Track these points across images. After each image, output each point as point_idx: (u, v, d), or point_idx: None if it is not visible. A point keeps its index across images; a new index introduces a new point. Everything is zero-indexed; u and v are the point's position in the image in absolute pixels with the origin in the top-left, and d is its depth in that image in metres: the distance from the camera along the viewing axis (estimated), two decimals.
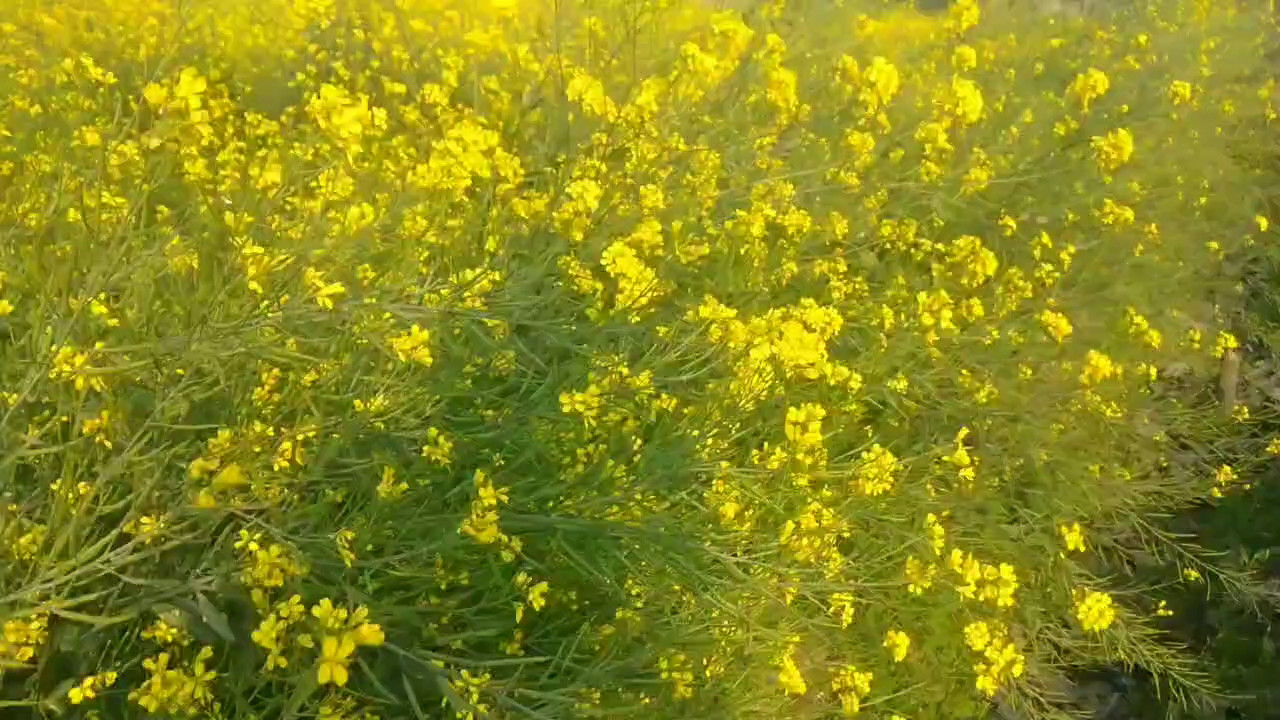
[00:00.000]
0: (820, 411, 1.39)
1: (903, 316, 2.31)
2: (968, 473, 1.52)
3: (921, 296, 1.52)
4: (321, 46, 7.58)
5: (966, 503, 2.97)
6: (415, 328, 1.27)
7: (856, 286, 3.26)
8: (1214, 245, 4.84)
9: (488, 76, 3.27)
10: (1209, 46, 5.93)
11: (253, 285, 1.01)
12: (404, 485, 1.28)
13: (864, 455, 1.43)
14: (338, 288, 1.02)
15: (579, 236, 1.66)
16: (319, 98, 1.22)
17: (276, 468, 1.14)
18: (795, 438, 1.39)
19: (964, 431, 1.53)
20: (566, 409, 1.38)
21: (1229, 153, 7.29)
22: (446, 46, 7.74)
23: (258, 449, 1.13)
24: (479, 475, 1.20)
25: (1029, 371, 2.87)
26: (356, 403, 1.23)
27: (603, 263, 1.55)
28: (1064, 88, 6.60)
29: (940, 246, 4.05)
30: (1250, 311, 6.87)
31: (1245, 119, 7.38)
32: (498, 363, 1.69)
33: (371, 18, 8.25)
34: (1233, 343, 3.12)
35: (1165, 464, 4.18)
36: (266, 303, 1.12)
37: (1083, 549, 1.74)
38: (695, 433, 1.45)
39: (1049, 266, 2.77)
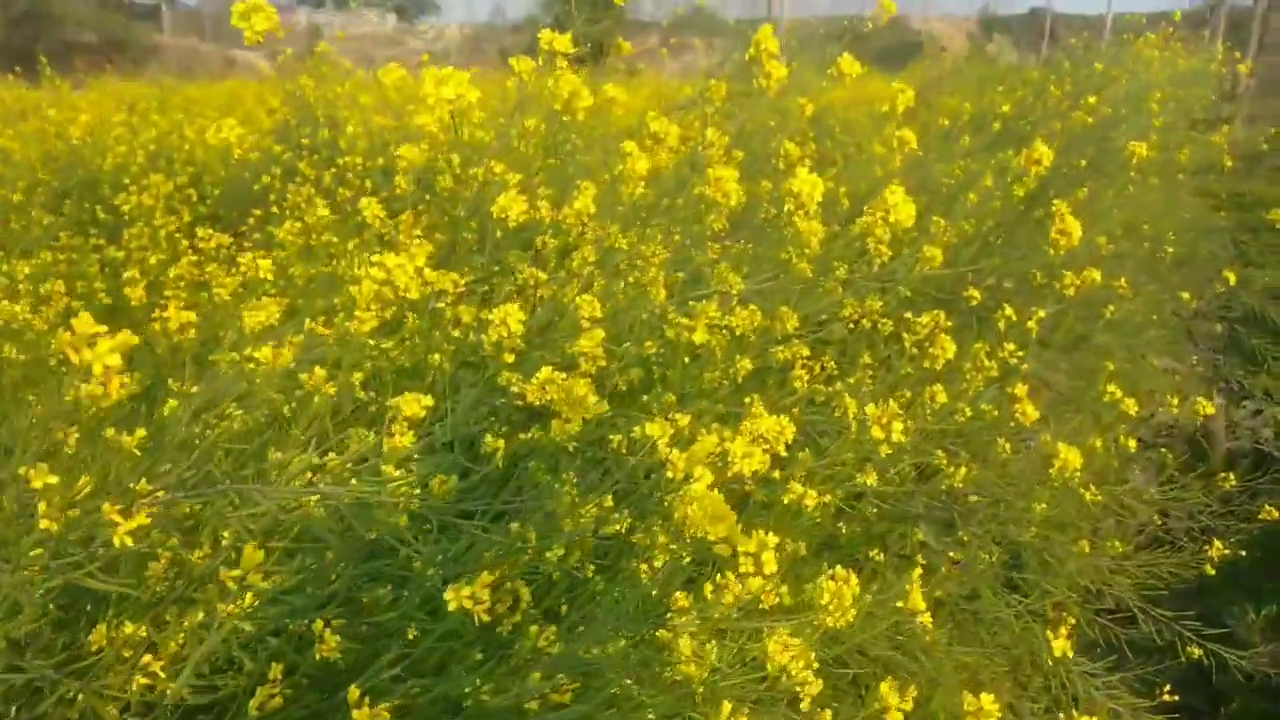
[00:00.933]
0: (772, 540, 1.28)
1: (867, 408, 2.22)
2: (924, 620, 1.41)
3: (870, 409, 1.42)
4: (287, 146, 7.61)
5: (957, 587, 2.86)
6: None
7: (825, 365, 3.19)
8: (1186, 295, 4.80)
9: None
10: (1159, 97, 5.99)
11: (44, 524, 0.90)
12: (278, 700, 1.15)
13: (823, 585, 1.31)
14: (141, 519, 0.92)
15: (510, 359, 1.57)
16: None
17: (136, 686, 1.02)
18: (748, 570, 1.28)
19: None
20: (453, 606, 1.26)
21: (1192, 196, 7.36)
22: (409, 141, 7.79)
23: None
24: (352, 693, 1.08)
25: (1007, 447, 2.78)
26: (219, 604, 1.11)
27: (532, 388, 1.46)
28: (1023, 144, 6.67)
29: (909, 315, 4.00)
30: (1229, 355, 6.83)
31: (1204, 162, 7.45)
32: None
33: (337, 115, 8.29)
34: (1211, 409, 3.04)
35: (1160, 520, 4.07)
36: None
37: (1070, 654, 1.63)
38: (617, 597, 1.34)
39: (1011, 346, 2.69)
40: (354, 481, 1.26)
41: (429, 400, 1.62)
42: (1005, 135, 7.11)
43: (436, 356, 1.85)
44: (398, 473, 1.31)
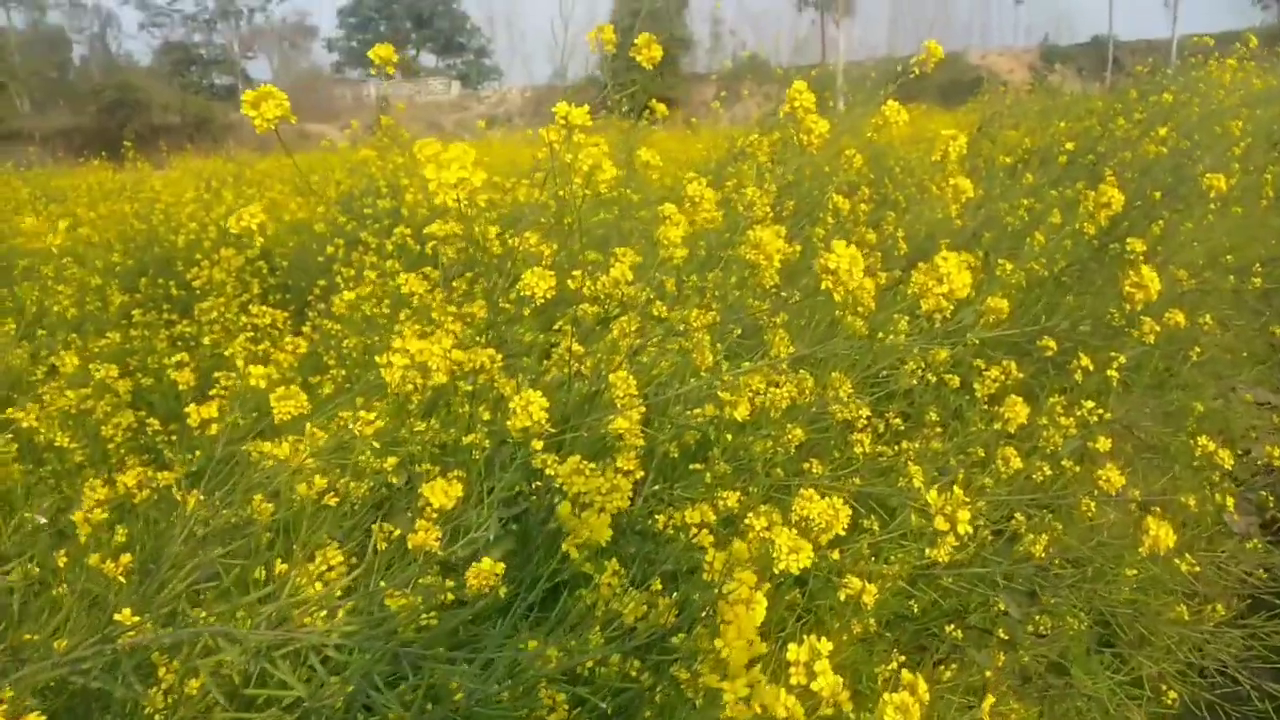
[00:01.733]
0: (827, 646, 1.15)
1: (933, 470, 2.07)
2: None
3: (933, 497, 1.29)
4: (351, 216, 7.77)
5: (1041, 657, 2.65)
6: None
7: (890, 422, 3.03)
8: (1277, 330, 4.49)
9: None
10: (1238, 123, 5.71)
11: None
12: None
13: (887, 702, 1.17)
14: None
15: (538, 445, 1.48)
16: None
17: None
18: (800, 681, 1.15)
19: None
20: None
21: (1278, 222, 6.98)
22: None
23: None
24: None
25: (1092, 506, 2.58)
26: None
27: (558, 484, 1.36)
28: (1092, 176, 6.42)
29: (979, 362, 3.81)
30: None
31: None
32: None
33: (399, 183, 8.46)
34: None
35: (1264, 574, 3.76)
36: None
37: None
38: None
39: (1090, 404, 2.51)
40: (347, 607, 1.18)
41: (457, 490, 1.54)
42: (1072, 169, 6.88)
43: (472, 436, 1.77)
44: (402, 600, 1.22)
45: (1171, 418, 4.04)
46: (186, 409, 1.64)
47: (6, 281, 6.93)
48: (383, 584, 1.50)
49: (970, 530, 1.25)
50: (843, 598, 1.34)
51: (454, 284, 3.06)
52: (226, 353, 4.13)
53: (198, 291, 6.33)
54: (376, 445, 1.77)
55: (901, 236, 4.17)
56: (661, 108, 2.14)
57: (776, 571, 1.21)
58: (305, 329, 5.34)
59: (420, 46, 64.00)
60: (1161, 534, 1.55)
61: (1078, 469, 2.68)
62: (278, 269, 7.99)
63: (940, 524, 1.23)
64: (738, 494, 1.89)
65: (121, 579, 0.98)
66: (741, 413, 1.92)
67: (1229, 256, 5.54)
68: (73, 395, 3.33)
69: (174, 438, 3.70)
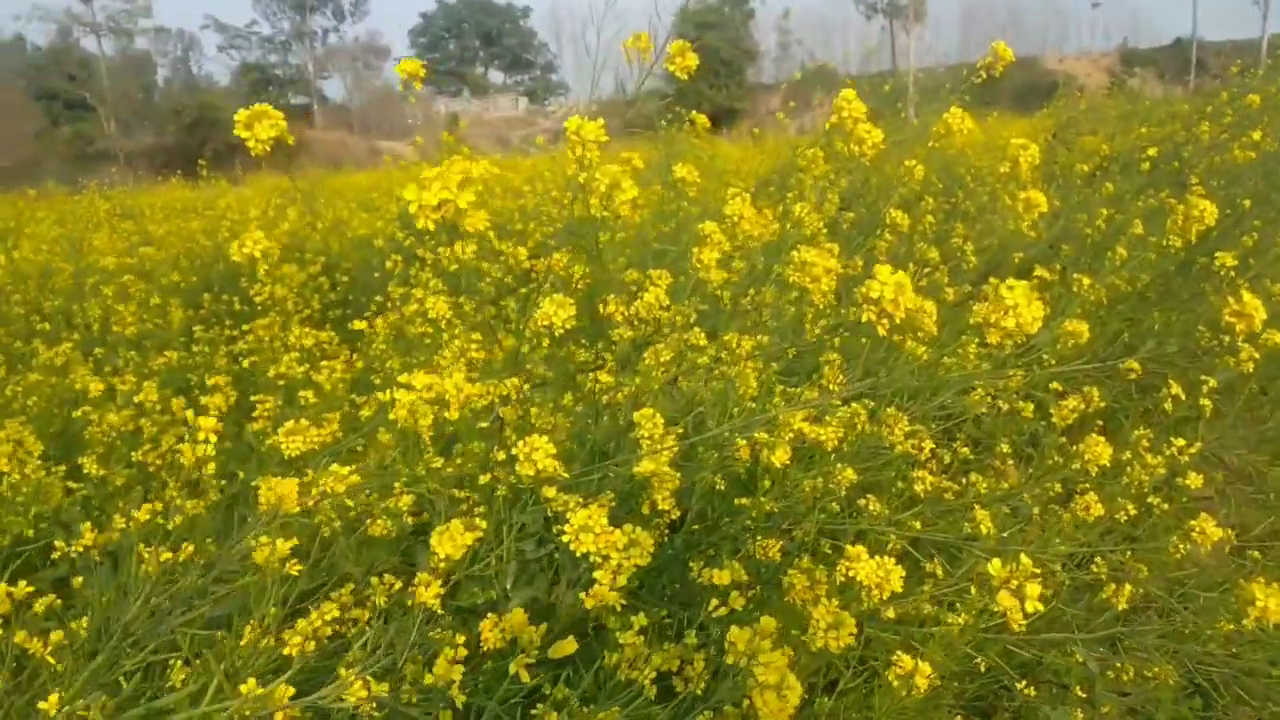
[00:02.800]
0: None
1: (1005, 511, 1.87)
2: None
3: (995, 567, 1.11)
4: (410, 232, 7.79)
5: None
6: None
7: (957, 452, 2.81)
8: None
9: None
10: None
11: None
12: None
13: None
14: None
15: (550, 492, 1.34)
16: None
17: None
18: None
19: None
20: None
21: None
22: (527, 219, 7.82)
23: None
24: None
25: (1182, 548, 2.33)
26: None
27: (564, 541, 1.21)
28: (1177, 184, 6.05)
29: (1056, 386, 3.55)
30: None
31: None
32: None
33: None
34: None
35: None
36: None
37: None
38: None
39: (1181, 442, 2.27)
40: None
41: (468, 539, 1.40)
42: (1155, 176, 6.51)
43: (486, 477, 1.64)
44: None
45: (1267, 443, 3.71)
46: (186, 446, 1.54)
47: (79, 297, 7.09)
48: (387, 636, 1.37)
49: (1040, 607, 1.07)
50: (893, 680, 1.16)
51: (488, 308, 2.95)
52: (270, 374, 4.09)
53: (259, 307, 6.39)
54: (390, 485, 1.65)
55: (970, 250, 3.94)
56: (703, 119, 1.99)
57: (814, 650, 1.04)
58: (360, 346, 5.30)
59: (489, 64, 64.93)
60: (1272, 605, 1.34)
61: (1165, 506, 2.44)
62: (338, 284, 8.04)
63: (1006, 600, 1.05)
64: (779, 543, 1.72)
65: (51, 659, 0.87)
66: (780, 457, 1.75)
67: None
68: (114, 419, 3.31)
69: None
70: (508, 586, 1.60)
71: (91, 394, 3.83)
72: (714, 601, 1.38)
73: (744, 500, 2.15)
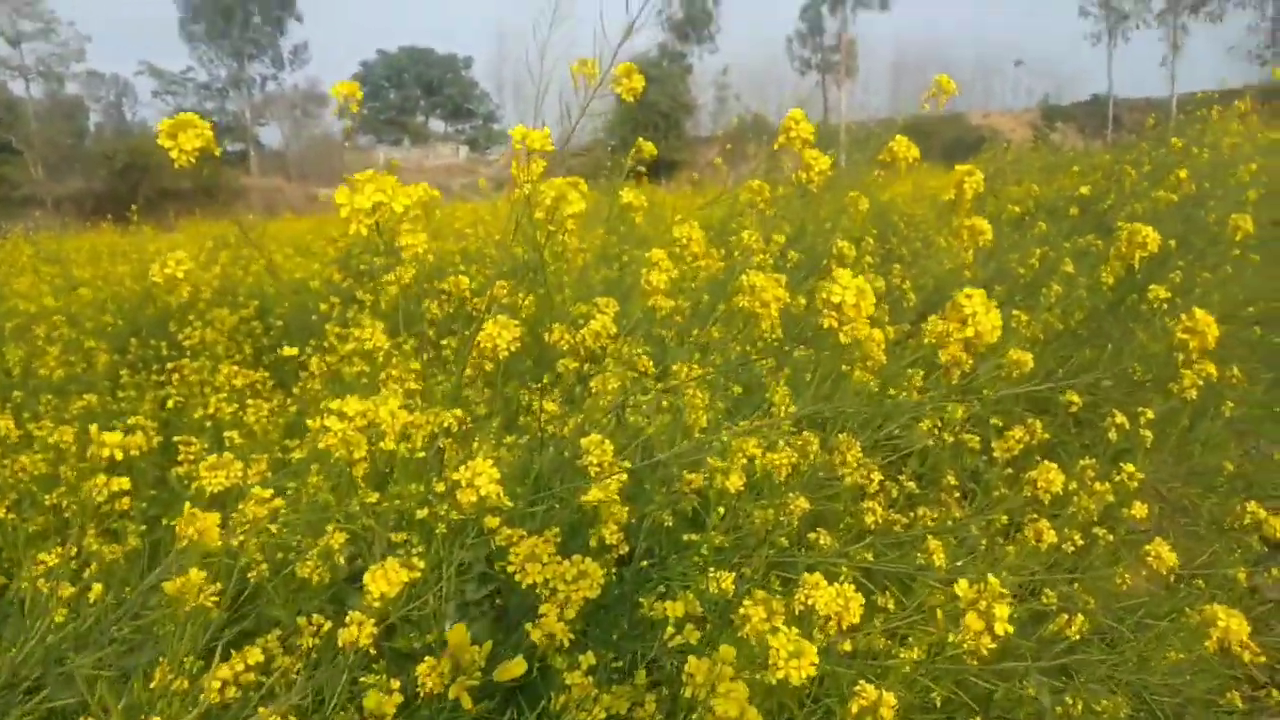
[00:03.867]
0: None
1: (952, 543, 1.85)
2: None
3: (962, 587, 1.07)
4: (347, 274, 7.65)
5: None
6: None
7: (903, 485, 2.80)
8: None
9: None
10: (1252, 169, 5.56)
11: None
12: None
13: None
14: None
15: (494, 522, 1.27)
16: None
17: None
18: None
19: None
20: None
21: None
22: (469, 261, 7.75)
23: None
24: None
25: (1127, 578, 2.33)
26: None
27: (509, 572, 1.15)
28: (1101, 228, 6.25)
29: (997, 421, 3.58)
30: None
31: None
32: None
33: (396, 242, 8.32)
34: None
35: None
36: None
37: None
38: None
39: (1131, 468, 2.28)
40: None
41: (403, 575, 1.32)
42: (1084, 220, 6.72)
43: (424, 512, 1.56)
44: None
45: (1197, 477, 3.79)
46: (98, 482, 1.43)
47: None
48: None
49: (1010, 629, 1.03)
50: (855, 711, 1.11)
51: (428, 350, 2.87)
52: (197, 415, 3.93)
53: (189, 352, 6.19)
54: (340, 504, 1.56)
55: (909, 288, 3.98)
56: (649, 146, 1.96)
57: (773, 682, 0.99)
58: (296, 389, 5.16)
59: (430, 113, 64.97)
60: (1233, 625, 1.33)
61: (1110, 537, 2.45)
62: (273, 328, 7.86)
63: (974, 623, 1.01)
64: (733, 575, 1.67)
65: None
66: (734, 483, 1.71)
67: (1251, 308, 5.34)
68: (26, 461, 3.13)
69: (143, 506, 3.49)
70: (446, 629, 1.52)
71: (8, 438, 3.63)
72: (669, 630, 1.31)
73: (693, 535, 2.10)
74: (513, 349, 1.45)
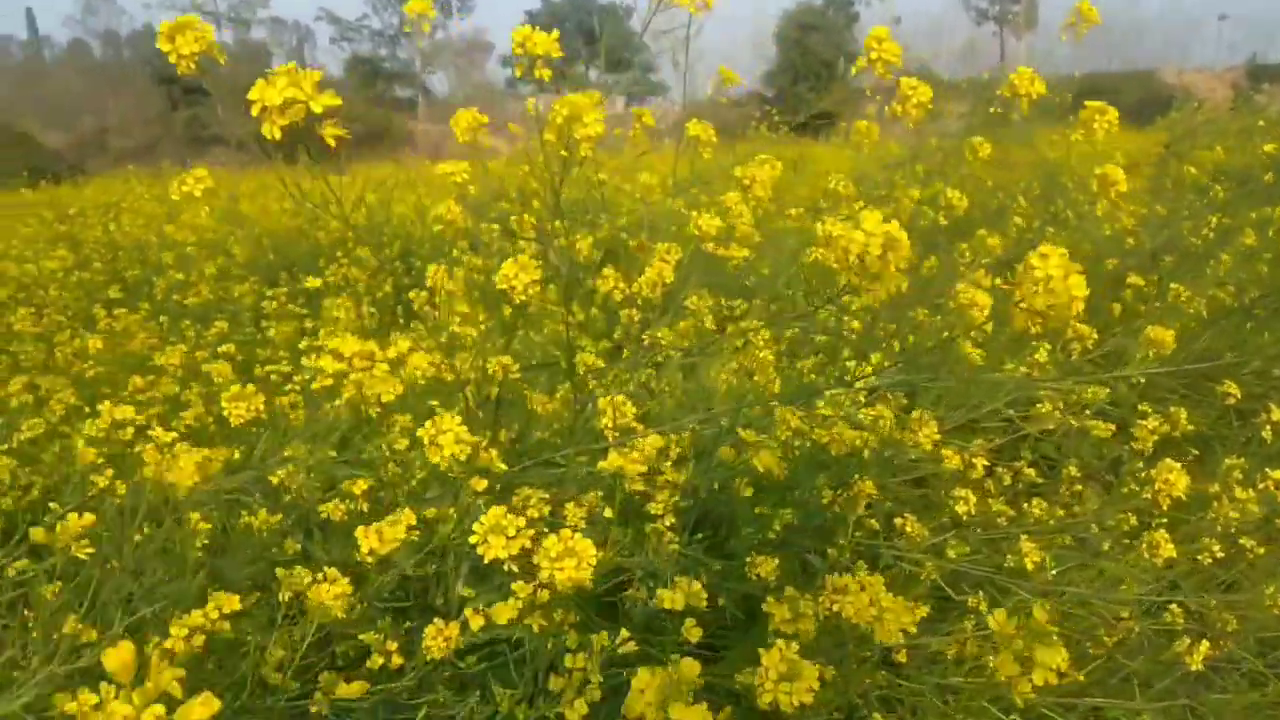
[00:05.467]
0: None
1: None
2: None
3: (999, 618, 0.85)
4: (479, 218, 7.72)
5: None
6: None
7: (1021, 473, 2.50)
8: None
9: None
10: None
11: None
12: None
13: None
14: None
15: (479, 485, 1.13)
16: None
17: None
18: None
19: None
20: None
21: None
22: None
23: None
24: None
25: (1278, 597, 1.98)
26: None
27: (471, 545, 1.00)
28: None
29: (1144, 406, 3.18)
30: None
31: None
32: None
33: (527, 188, 8.40)
34: None
35: None
36: None
37: None
38: None
39: (1278, 474, 1.92)
40: None
41: (398, 532, 1.20)
42: (1276, 191, 5.96)
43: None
44: None
45: None
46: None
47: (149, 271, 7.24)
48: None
49: (1053, 679, 0.81)
50: None
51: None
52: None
53: (327, 287, 6.44)
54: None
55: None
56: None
57: (762, 706, 0.81)
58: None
59: (590, 62, 65.07)
60: None
61: (1260, 551, 2.10)
62: (414, 269, 8.04)
63: (1006, 666, 0.80)
64: (774, 560, 1.47)
65: None
66: (768, 461, 1.50)
67: None
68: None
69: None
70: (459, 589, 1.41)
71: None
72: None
73: (763, 509, 1.91)
74: (530, 293, 1.30)
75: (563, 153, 1.23)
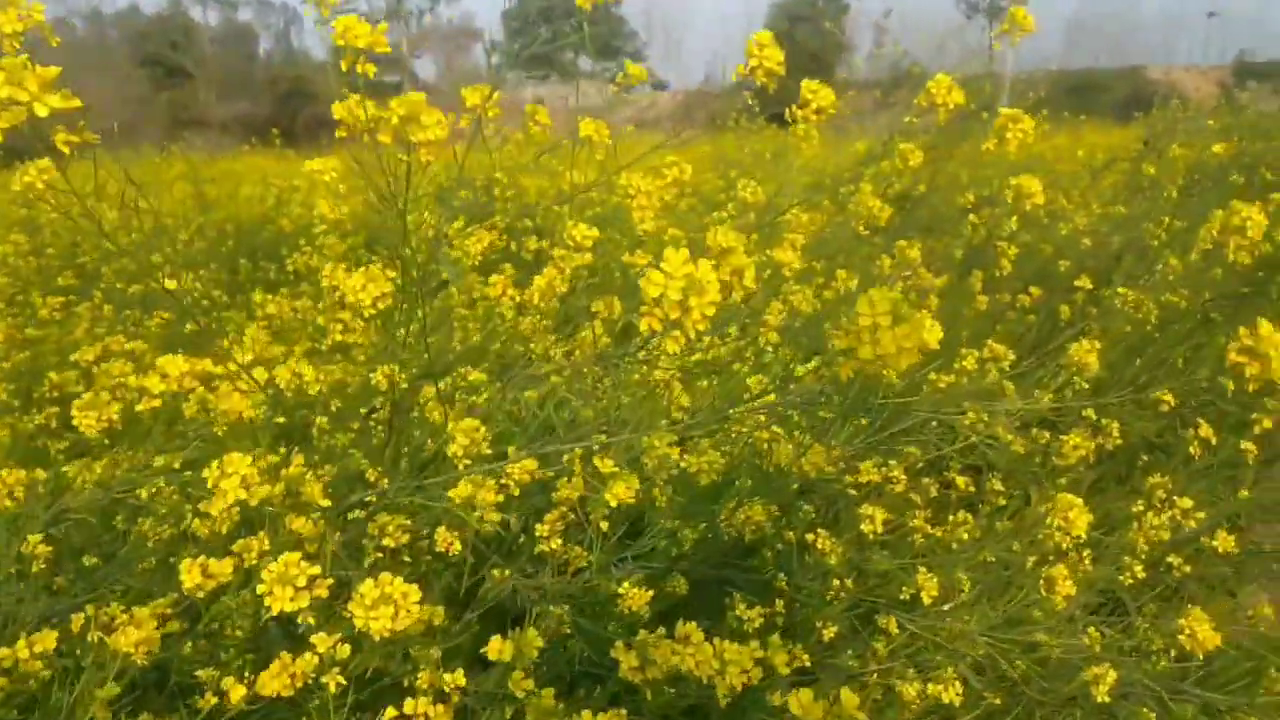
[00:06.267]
0: None
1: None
2: None
3: (802, 699, 0.75)
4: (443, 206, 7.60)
5: None
6: None
7: (954, 485, 2.42)
8: None
9: None
10: None
11: None
12: None
13: None
14: None
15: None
16: None
17: None
18: None
19: None
20: None
21: None
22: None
23: None
24: None
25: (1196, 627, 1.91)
26: None
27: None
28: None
29: (1090, 413, 3.11)
30: None
31: None
32: None
33: (492, 177, 8.33)
34: None
35: None
36: None
37: None
38: None
39: (1188, 503, 1.85)
40: None
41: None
42: (1248, 190, 5.89)
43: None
44: None
45: None
46: None
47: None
48: None
49: None
50: None
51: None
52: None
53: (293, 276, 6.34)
54: None
55: (1011, 253, 3.48)
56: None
57: None
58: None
59: (578, 50, 64.55)
60: None
61: (1187, 569, 2.03)
62: (377, 254, 7.91)
63: None
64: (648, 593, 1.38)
65: None
66: (621, 493, 1.41)
67: None
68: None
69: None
70: None
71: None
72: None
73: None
74: (379, 306, 1.21)
75: (401, 157, 1.15)
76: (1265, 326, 1.09)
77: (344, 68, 1.32)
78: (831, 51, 51.62)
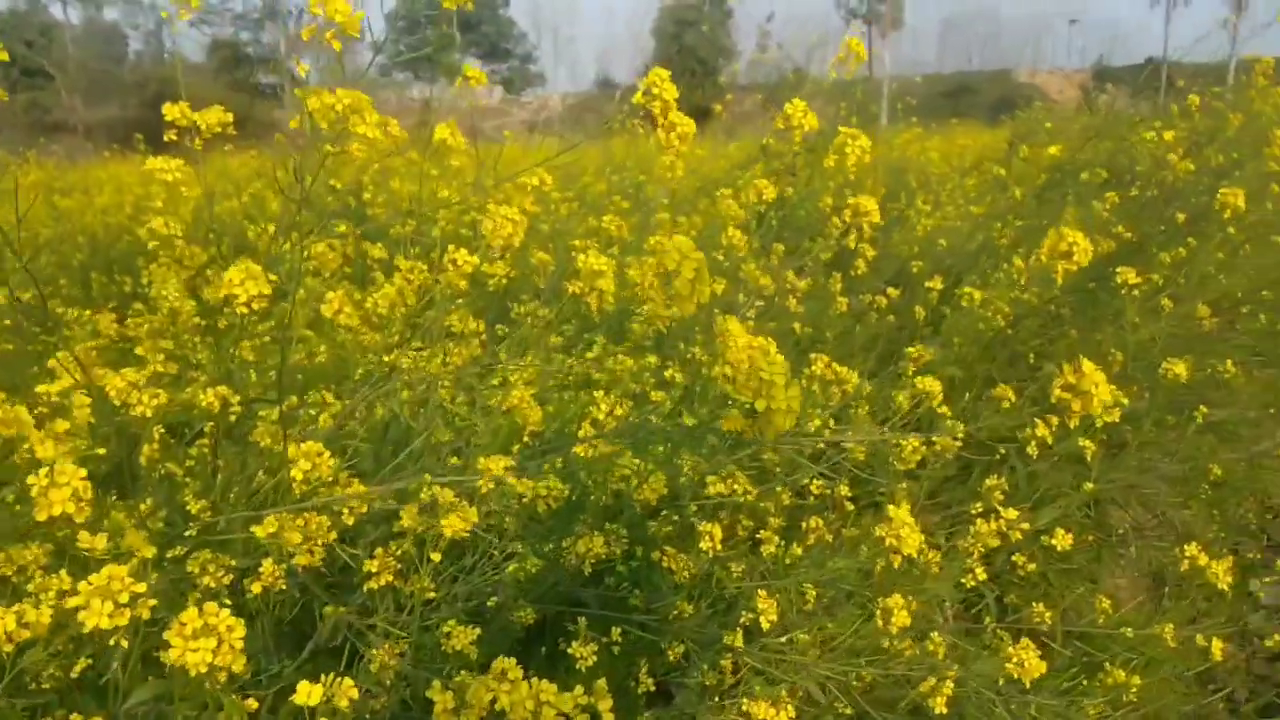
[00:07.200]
0: None
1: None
2: None
3: None
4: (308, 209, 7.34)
5: None
6: None
7: (830, 496, 2.43)
8: None
9: None
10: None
11: None
12: None
13: None
14: None
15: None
16: None
17: None
18: None
19: None
20: None
21: None
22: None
23: None
24: None
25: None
26: None
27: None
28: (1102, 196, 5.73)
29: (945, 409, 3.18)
30: None
31: None
32: None
33: (360, 181, 8.08)
34: None
35: None
36: None
37: None
38: None
39: (1013, 514, 1.87)
40: None
41: None
42: (1106, 188, 6.18)
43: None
44: None
45: (1178, 483, 3.36)
46: None
47: None
48: None
49: None
50: None
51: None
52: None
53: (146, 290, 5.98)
54: None
55: (867, 255, 3.54)
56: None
57: None
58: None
59: (466, 51, 63.94)
60: None
61: (1031, 566, 2.07)
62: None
63: None
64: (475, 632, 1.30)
65: None
66: (456, 525, 1.32)
67: (1265, 293, 4.82)
68: None
69: None
70: None
71: None
72: None
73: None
74: (255, 306, 1.11)
75: (328, 148, 1.09)
76: (1087, 365, 1.10)
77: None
78: (717, 55, 52.40)
